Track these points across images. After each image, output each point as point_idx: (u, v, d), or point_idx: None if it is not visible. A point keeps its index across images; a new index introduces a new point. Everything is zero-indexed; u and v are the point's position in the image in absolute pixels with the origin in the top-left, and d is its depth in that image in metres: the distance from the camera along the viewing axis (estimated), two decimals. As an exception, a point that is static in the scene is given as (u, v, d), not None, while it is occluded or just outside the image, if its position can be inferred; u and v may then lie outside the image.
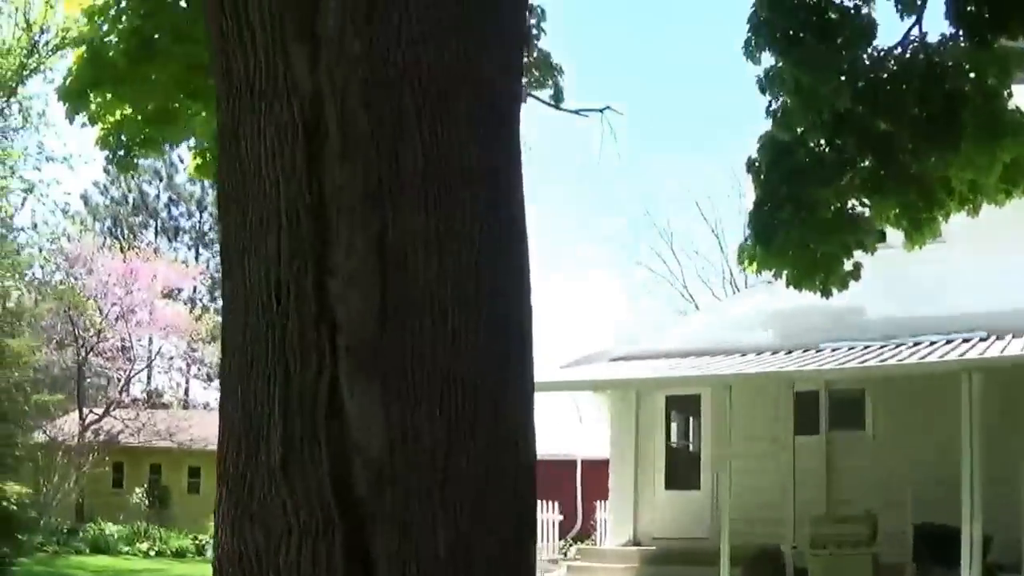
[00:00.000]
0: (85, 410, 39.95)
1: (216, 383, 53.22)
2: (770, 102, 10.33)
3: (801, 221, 10.51)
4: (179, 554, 30.20)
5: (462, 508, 2.99)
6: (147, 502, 37.65)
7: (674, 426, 22.47)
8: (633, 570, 19.45)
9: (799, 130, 10.49)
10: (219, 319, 46.52)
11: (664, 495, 21.21)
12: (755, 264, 11.03)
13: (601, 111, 12.33)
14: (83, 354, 40.76)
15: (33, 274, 42.88)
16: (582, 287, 77.93)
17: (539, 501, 19.27)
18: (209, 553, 30.07)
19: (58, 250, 43.99)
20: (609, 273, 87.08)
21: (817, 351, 19.08)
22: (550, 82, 12.21)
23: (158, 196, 66.52)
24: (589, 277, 79.06)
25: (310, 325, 2.99)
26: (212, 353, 56.37)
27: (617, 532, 21.52)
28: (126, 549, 29.72)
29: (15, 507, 21.64)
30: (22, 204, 41.01)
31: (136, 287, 41.73)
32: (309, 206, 3.04)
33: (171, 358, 52.43)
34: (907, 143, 10.38)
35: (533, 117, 14.95)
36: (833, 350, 18.85)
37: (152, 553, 29.48)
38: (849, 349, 18.58)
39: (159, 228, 66.36)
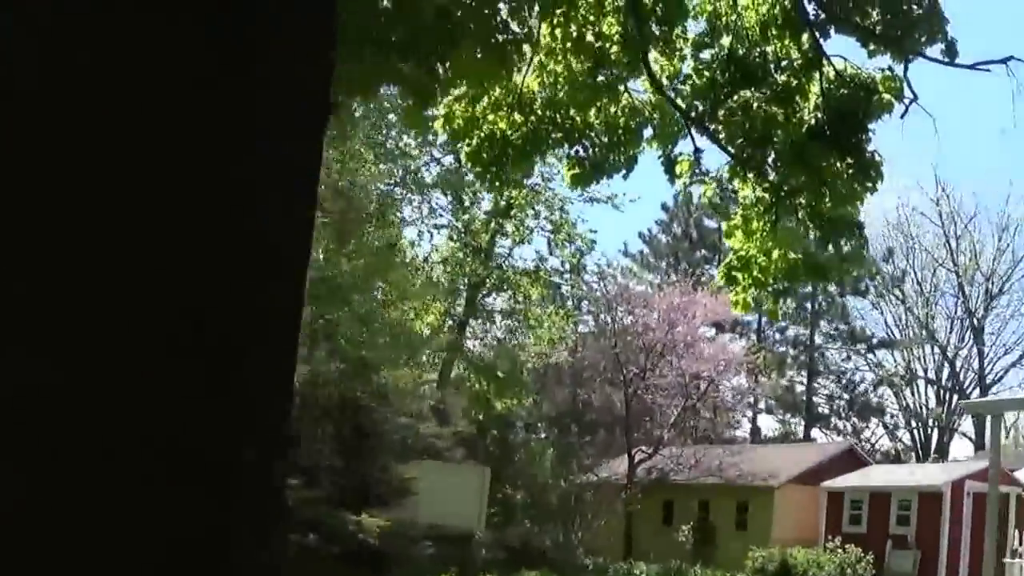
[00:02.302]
0: (638, 448, 40.24)
1: (783, 415, 52.10)
2: None
3: None
4: (703, 595, 29.12)
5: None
6: (691, 539, 36.98)
7: None
8: None
9: None
10: (779, 350, 45.53)
11: None
12: None
13: (1005, 62, 9.86)
14: (631, 392, 41.05)
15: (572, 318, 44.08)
16: None
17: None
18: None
19: (615, 290, 44.89)
20: None
21: None
22: (940, 35, 10.03)
23: (719, 229, 66.26)
24: None
25: None
26: (772, 387, 55.34)
27: None
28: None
29: (374, 541, 21.58)
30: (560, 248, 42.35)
31: (684, 322, 41.56)
32: None
33: (738, 394, 51.86)
34: None
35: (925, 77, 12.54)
36: None
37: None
38: None
39: (720, 262, 66.03)
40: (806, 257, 11.51)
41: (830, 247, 11.27)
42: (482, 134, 11.48)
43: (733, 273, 11.74)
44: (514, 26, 9.56)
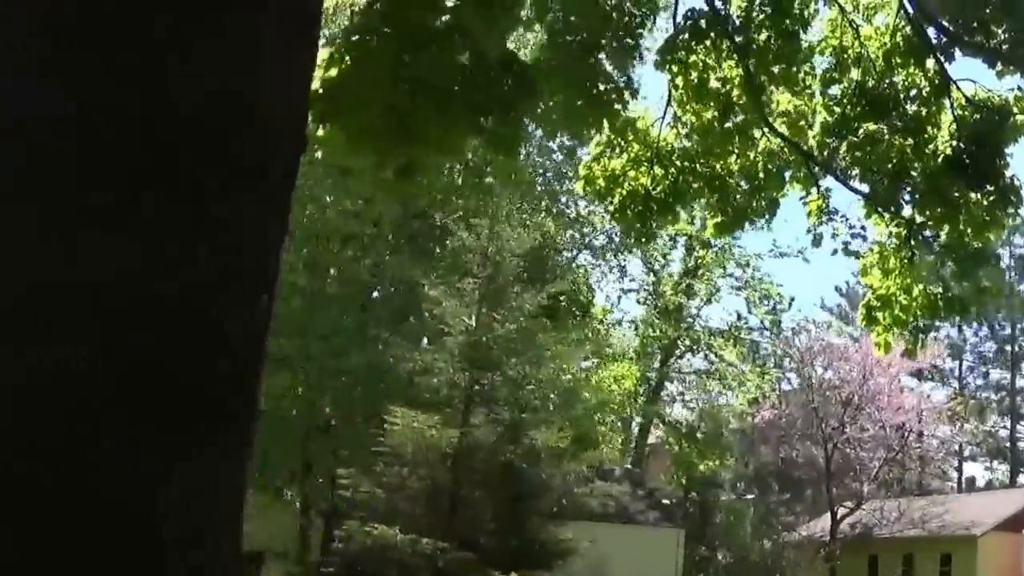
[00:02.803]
0: (840, 504, 39.14)
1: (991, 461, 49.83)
2: None
3: None
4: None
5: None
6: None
7: None
8: None
9: None
10: (982, 396, 43.59)
11: None
12: None
13: None
14: (831, 446, 40.03)
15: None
16: None
17: None
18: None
19: (812, 344, 43.99)
20: None
21: None
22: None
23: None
24: None
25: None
26: (975, 434, 53.01)
27: None
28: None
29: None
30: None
31: (882, 372, 40.31)
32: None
33: (943, 443, 49.84)
34: None
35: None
36: None
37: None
38: None
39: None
40: (945, 291, 11.02)
41: (966, 280, 10.76)
42: (624, 191, 11.41)
43: (873, 313, 11.31)
44: (615, 75, 9.50)
